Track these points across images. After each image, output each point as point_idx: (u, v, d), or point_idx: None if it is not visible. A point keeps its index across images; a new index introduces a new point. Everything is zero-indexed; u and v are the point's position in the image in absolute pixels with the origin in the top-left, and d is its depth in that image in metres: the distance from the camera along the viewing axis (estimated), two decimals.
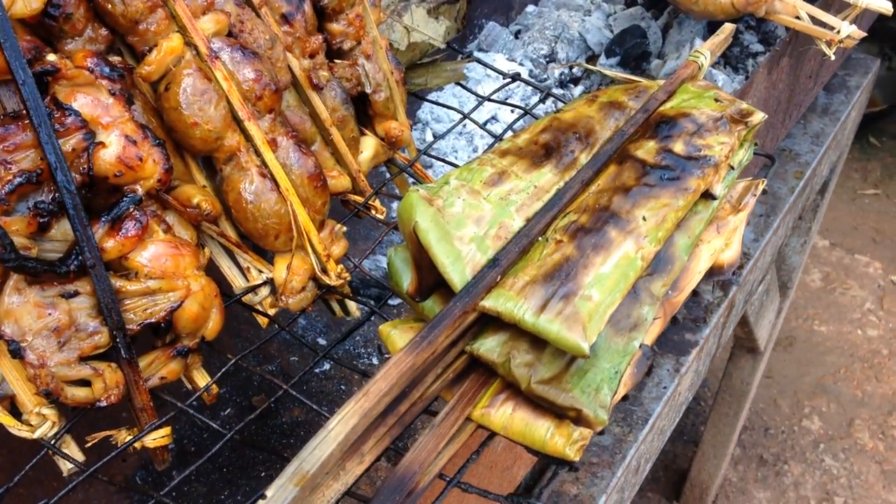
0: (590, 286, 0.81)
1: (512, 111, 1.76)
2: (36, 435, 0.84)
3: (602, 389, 0.80)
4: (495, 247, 0.85)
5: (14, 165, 0.82)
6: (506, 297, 0.81)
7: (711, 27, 2.15)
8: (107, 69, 0.88)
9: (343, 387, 1.48)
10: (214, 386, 0.95)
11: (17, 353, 0.81)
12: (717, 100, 1.01)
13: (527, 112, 1.34)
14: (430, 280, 0.87)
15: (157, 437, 0.88)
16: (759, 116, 0.99)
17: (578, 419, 0.79)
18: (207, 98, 0.95)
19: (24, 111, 0.83)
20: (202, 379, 0.96)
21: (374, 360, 1.51)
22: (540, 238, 0.87)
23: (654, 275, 0.88)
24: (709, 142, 0.95)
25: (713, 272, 1.00)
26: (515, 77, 1.40)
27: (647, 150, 0.94)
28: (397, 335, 0.89)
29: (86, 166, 0.85)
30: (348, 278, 1.03)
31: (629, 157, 0.94)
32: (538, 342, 0.82)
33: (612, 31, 2.18)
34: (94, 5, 0.93)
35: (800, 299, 4.87)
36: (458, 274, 0.82)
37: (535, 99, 1.99)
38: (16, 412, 0.86)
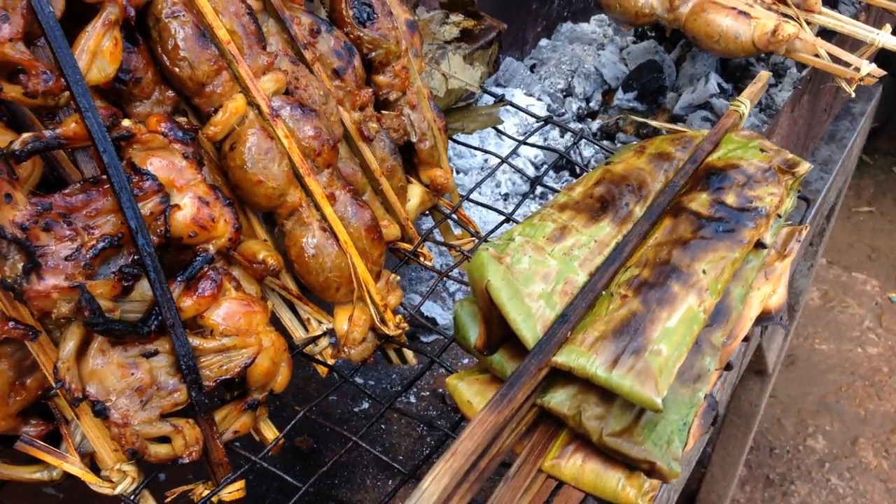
0: (658, 341, 0.83)
1: (525, 146, 1.79)
2: (117, 491, 0.86)
3: (673, 442, 0.82)
4: (563, 302, 0.88)
5: (97, 230, 0.84)
6: (577, 352, 0.83)
7: (723, 61, 2.20)
8: (179, 133, 0.90)
9: (383, 426, 1.51)
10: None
11: (102, 413, 0.83)
12: (762, 150, 1.05)
13: (563, 156, 1.37)
14: (499, 334, 0.89)
15: (233, 491, 0.90)
16: (805, 167, 1.03)
17: (652, 471, 0.82)
18: (271, 156, 0.98)
19: (104, 177, 0.86)
20: (268, 430, 0.98)
21: (412, 399, 1.53)
22: (604, 292, 0.90)
23: (713, 325, 0.91)
24: (759, 193, 0.98)
25: (762, 318, 1.03)
26: (548, 120, 1.44)
27: (700, 202, 0.97)
28: (464, 388, 0.92)
29: (163, 229, 0.87)
30: (406, 328, 1.06)
31: (683, 209, 0.97)
32: (607, 395, 0.84)
33: (626, 65, 2.22)
34: (162, 69, 0.95)
35: (800, 318, 4.91)
36: (529, 331, 0.85)
37: (556, 132, 2.02)
38: (95, 468, 0.88)
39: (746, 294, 0.97)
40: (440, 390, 1.54)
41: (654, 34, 2.34)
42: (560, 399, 0.85)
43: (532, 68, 2.24)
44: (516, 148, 1.35)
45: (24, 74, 0.81)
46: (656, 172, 1.03)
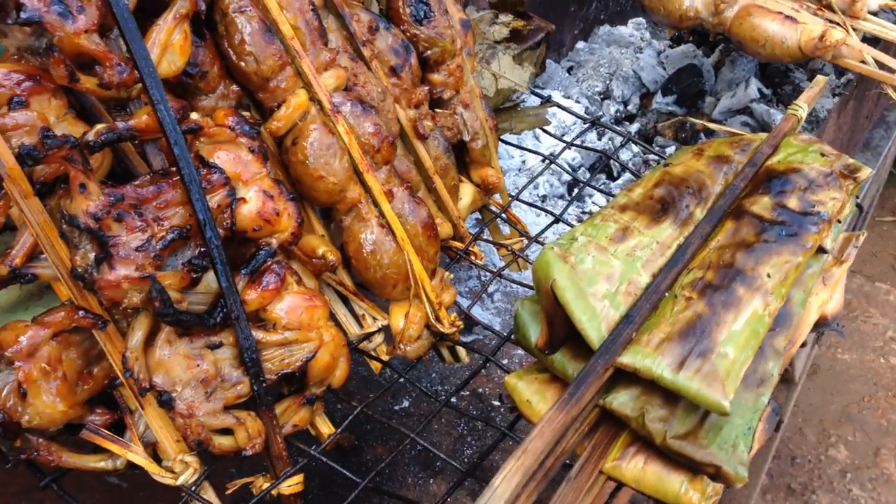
0: (724, 343, 0.83)
1: (570, 148, 1.79)
2: (179, 482, 0.86)
3: (739, 446, 0.82)
4: (627, 303, 0.88)
5: (166, 221, 0.84)
6: (643, 353, 0.83)
7: (762, 66, 2.19)
8: (246, 127, 0.91)
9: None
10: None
11: (168, 403, 0.84)
12: (822, 154, 1.04)
13: (610, 157, 1.37)
14: (561, 334, 0.89)
15: (292, 485, 0.90)
16: (866, 172, 1.02)
17: (717, 475, 0.81)
18: (332, 152, 0.98)
19: (173, 169, 0.86)
20: (323, 425, 0.99)
21: (453, 399, 1.53)
22: (667, 293, 0.89)
23: (776, 330, 0.91)
24: (821, 197, 0.97)
25: (819, 323, 1.02)
26: (595, 122, 1.43)
27: (762, 205, 0.96)
28: (524, 387, 0.92)
29: (229, 222, 0.88)
30: (461, 326, 1.06)
31: (745, 212, 0.96)
32: (671, 397, 0.84)
33: (664, 69, 2.22)
34: (228, 63, 0.96)
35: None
36: (594, 331, 0.84)
37: (593, 134, 2.02)
38: (157, 458, 0.88)
39: (807, 299, 0.96)
40: (479, 390, 1.54)
41: (692, 38, 2.33)
42: (623, 400, 0.85)
43: (569, 70, 2.24)
44: (564, 149, 1.34)
45: (99, 66, 0.82)
46: (716, 175, 1.02)
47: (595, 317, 0.85)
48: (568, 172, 1.33)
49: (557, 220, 1.27)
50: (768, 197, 0.98)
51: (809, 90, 1.18)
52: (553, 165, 1.94)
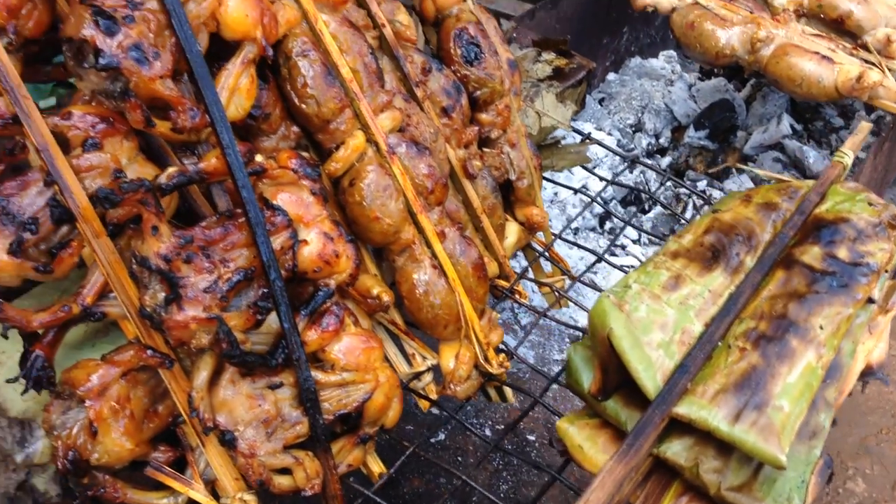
0: (779, 396, 0.84)
1: (600, 180, 1.80)
2: None
3: (793, 500, 0.83)
4: (681, 352, 0.89)
5: (232, 263, 0.86)
6: (698, 404, 0.84)
7: (793, 101, 2.20)
8: (308, 169, 0.92)
9: (459, 458, 1.52)
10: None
11: (231, 442, 0.85)
12: (870, 203, 1.05)
13: (651, 196, 1.38)
14: (615, 381, 0.90)
15: None
16: None
17: None
18: (388, 193, 1.00)
19: (238, 211, 0.88)
20: (374, 463, 1.00)
21: (487, 432, 1.54)
22: (720, 343, 0.91)
23: (827, 381, 0.92)
24: (870, 248, 0.99)
25: (864, 372, 1.03)
26: (635, 160, 1.45)
27: (812, 255, 0.97)
28: (575, 432, 0.93)
29: (291, 263, 0.89)
30: (509, 367, 1.07)
31: (795, 262, 0.97)
32: (725, 448, 0.85)
33: (695, 102, 2.23)
34: (289, 105, 0.98)
35: None
36: (650, 381, 0.86)
37: (623, 167, 2.03)
38: (215, 496, 0.89)
39: (855, 349, 0.97)
40: (517, 425, 1.55)
41: (723, 72, 2.35)
42: (677, 450, 0.86)
43: (601, 102, 2.26)
44: (606, 186, 1.36)
45: (172, 111, 0.84)
46: (764, 222, 1.04)
47: (651, 366, 0.86)
48: (601, 205, 1.34)
49: (600, 259, 1.29)
50: (818, 247, 0.99)
51: (854, 137, 1.19)
52: (585, 197, 1.96)
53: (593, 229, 1.98)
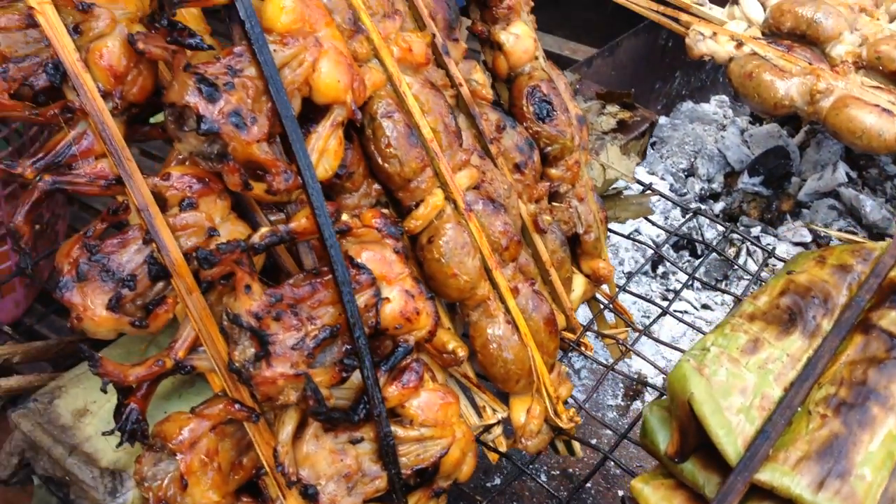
0: (861, 465, 0.84)
1: (653, 225, 1.80)
2: None
3: None
4: (761, 417, 0.89)
5: (318, 320, 0.88)
6: (780, 471, 0.84)
7: (847, 148, 2.20)
8: (392, 228, 0.95)
9: (515, 502, 1.52)
10: None
11: (313, 497, 0.87)
12: None
13: (713, 250, 1.39)
14: (693, 444, 0.91)
15: None
16: None
17: None
18: (466, 251, 1.02)
19: (324, 269, 0.90)
20: None
21: (543, 477, 1.54)
22: (800, 408, 0.91)
23: None
24: None
25: None
26: (697, 211, 1.46)
27: (890, 320, 0.98)
28: (650, 493, 0.93)
29: (374, 321, 0.92)
30: (579, 422, 1.08)
31: (873, 326, 0.97)
32: None
33: (749, 148, 2.24)
34: (371, 164, 1.00)
35: None
36: (731, 446, 0.86)
37: (676, 213, 2.04)
38: None
39: None
40: (570, 470, 1.56)
41: (775, 118, 2.35)
42: None
43: (653, 145, 2.27)
44: (669, 238, 1.37)
45: (267, 173, 0.87)
46: (840, 285, 1.04)
47: (731, 432, 0.87)
48: (654, 250, 1.35)
49: (664, 312, 1.30)
50: None
51: None
52: (636, 233, 1.97)
53: (645, 273, 1.98)
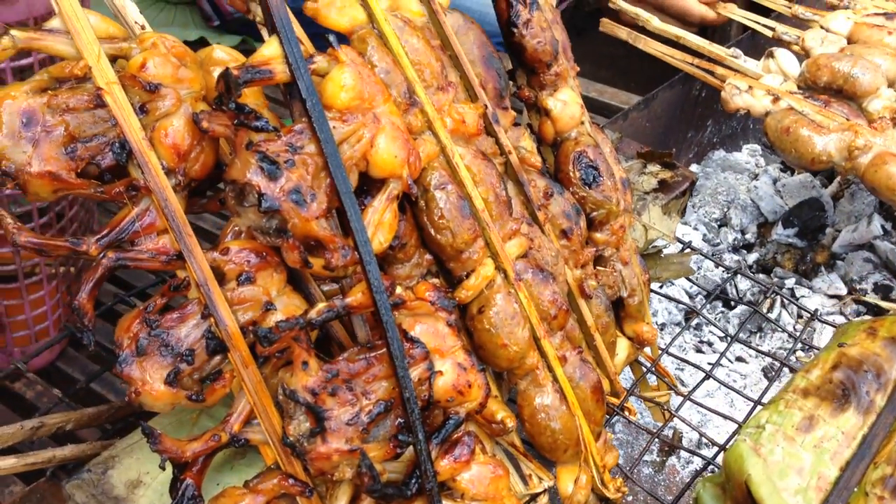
0: None
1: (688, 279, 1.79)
2: None
3: None
4: (818, 498, 0.88)
5: (372, 395, 0.89)
6: None
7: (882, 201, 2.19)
8: (445, 301, 0.95)
9: None
10: None
11: None
12: None
13: (756, 310, 1.38)
14: None
15: None
16: None
17: None
18: (516, 321, 1.02)
19: (378, 342, 0.91)
20: None
21: None
22: (856, 489, 0.90)
23: None
24: None
25: None
26: (738, 271, 1.45)
27: None
28: None
29: (427, 394, 0.92)
30: (626, 492, 1.07)
31: None
32: None
33: (782, 198, 2.23)
34: (423, 235, 1.01)
35: None
36: None
37: (709, 263, 2.03)
38: None
39: None
40: None
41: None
42: None
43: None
44: (709, 299, 1.36)
45: (325, 249, 0.87)
46: (892, 358, 1.03)
47: None
48: (690, 308, 1.34)
49: (708, 376, 1.29)
50: None
51: None
52: (671, 293, 1.96)
53: (678, 324, 1.97)
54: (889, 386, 1.00)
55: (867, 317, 1.81)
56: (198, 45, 2.44)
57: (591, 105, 2.28)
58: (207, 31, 2.50)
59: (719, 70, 1.93)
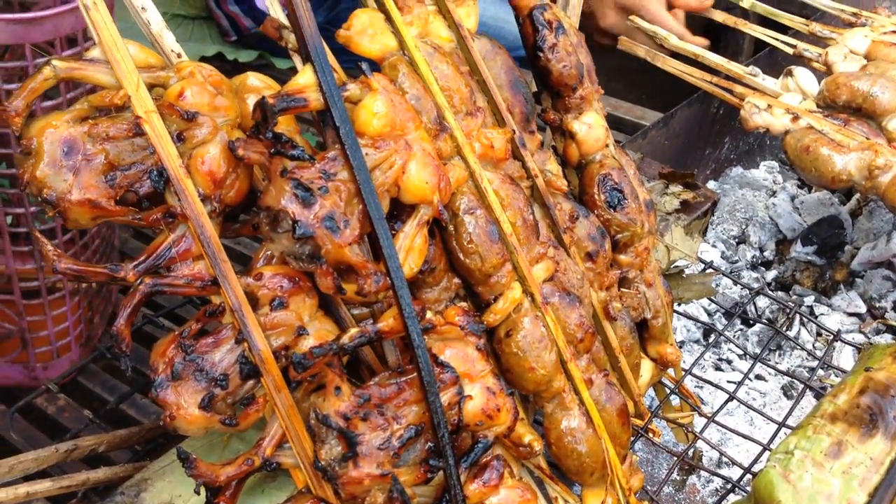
0: None
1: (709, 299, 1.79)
2: None
3: None
4: None
5: (403, 419, 0.89)
6: None
7: None
8: (474, 325, 0.96)
9: None
10: None
11: None
12: None
13: (777, 331, 1.39)
14: None
15: None
16: None
17: None
18: (543, 344, 1.03)
19: (408, 367, 0.91)
20: None
21: None
22: None
23: None
24: None
25: None
26: (760, 291, 1.46)
27: None
28: None
29: (456, 419, 0.92)
30: None
31: None
32: None
33: (800, 215, 2.23)
34: (452, 259, 1.02)
35: None
36: None
37: (728, 281, 2.03)
38: None
39: None
40: None
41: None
42: None
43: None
44: (731, 320, 1.37)
45: (357, 274, 0.88)
46: None
47: None
48: (710, 327, 1.35)
49: (731, 397, 1.29)
50: None
51: None
52: (689, 311, 1.97)
53: (697, 341, 1.97)
54: None
55: (888, 336, 1.81)
56: (215, 60, 2.46)
57: (606, 120, 2.29)
58: (225, 47, 2.53)
59: (738, 88, 1.93)
